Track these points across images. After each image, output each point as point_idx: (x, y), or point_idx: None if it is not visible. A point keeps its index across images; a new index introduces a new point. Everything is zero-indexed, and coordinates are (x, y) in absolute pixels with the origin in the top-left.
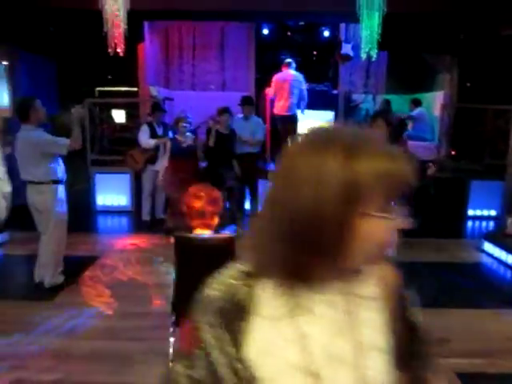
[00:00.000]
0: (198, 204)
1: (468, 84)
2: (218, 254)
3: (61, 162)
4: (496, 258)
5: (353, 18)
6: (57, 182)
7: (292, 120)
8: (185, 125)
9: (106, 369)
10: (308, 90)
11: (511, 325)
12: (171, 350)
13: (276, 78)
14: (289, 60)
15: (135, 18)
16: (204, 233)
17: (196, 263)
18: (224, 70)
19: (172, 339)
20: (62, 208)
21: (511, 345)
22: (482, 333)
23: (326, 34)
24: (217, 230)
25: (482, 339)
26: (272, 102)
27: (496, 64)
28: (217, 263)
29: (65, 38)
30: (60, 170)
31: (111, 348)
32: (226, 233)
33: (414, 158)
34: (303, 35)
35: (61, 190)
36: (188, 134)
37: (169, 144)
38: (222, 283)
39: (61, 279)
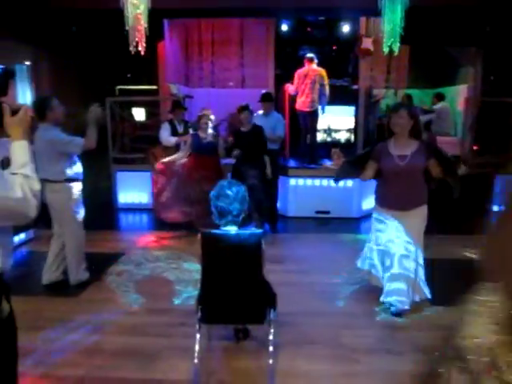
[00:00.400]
0: (227, 203)
1: (492, 77)
2: (246, 252)
3: (77, 160)
4: None
5: (374, 11)
6: (72, 180)
7: (313, 116)
8: (207, 121)
9: (132, 364)
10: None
11: None
12: (197, 347)
13: (298, 73)
14: (311, 55)
15: (155, 17)
16: (231, 229)
17: (224, 260)
18: (243, 67)
19: (198, 336)
20: (78, 207)
21: None
22: None
23: (346, 28)
24: (240, 227)
25: None
26: (292, 97)
27: None
28: (244, 260)
29: (87, 37)
30: (76, 168)
31: (137, 344)
32: (252, 229)
33: (447, 154)
34: (323, 30)
35: (76, 188)
36: (210, 130)
37: (189, 140)
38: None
39: (85, 276)
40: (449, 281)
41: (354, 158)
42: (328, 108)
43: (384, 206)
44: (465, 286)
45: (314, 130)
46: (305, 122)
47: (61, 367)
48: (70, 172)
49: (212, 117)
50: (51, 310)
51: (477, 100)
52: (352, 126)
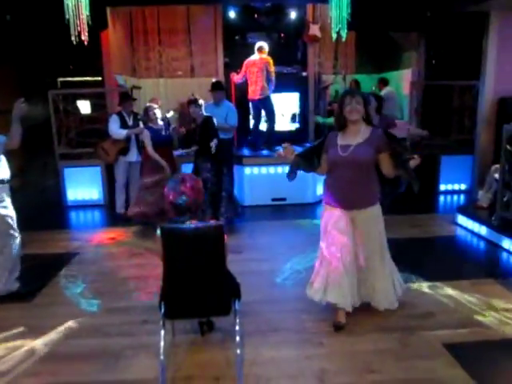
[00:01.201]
0: (184, 199)
1: (433, 61)
2: (208, 244)
3: (4, 160)
4: (469, 230)
5: None
6: None
7: (265, 103)
8: (154, 112)
9: (95, 367)
10: (277, 72)
11: (489, 294)
12: (162, 343)
13: (246, 62)
14: (260, 44)
15: (97, 4)
16: (190, 223)
17: (185, 254)
18: (192, 56)
19: (162, 332)
20: (6, 210)
21: (493, 314)
22: (464, 304)
23: (293, 15)
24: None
25: (464, 310)
26: (238, 86)
27: (461, 40)
28: (206, 253)
29: (23, 27)
30: (2, 169)
31: (98, 345)
32: (213, 221)
33: (402, 146)
34: (270, 17)
35: (3, 190)
36: (160, 122)
37: (146, 134)
38: None
39: (15, 286)
40: (400, 260)
41: (305, 151)
42: (276, 95)
43: (329, 202)
44: (415, 265)
45: (271, 116)
46: (257, 111)
47: (19, 377)
48: None
49: (156, 106)
50: (2, 318)
51: (420, 84)
52: (296, 111)
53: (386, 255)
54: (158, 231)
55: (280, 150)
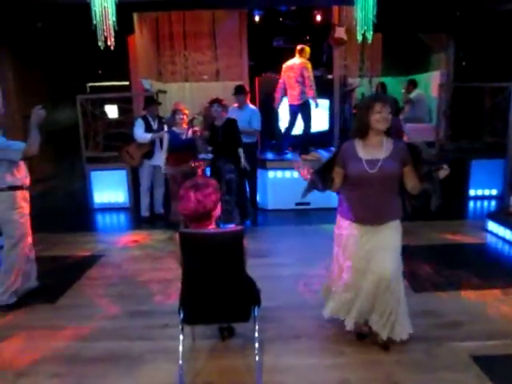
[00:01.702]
0: (191, 207)
1: (464, 63)
2: (226, 250)
3: (23, 166)
4: (501, 237)
5: (347, 0)
6: (14, 188)
7: (303, 108)
8: (181, 116)
9: (116, 370)
10: None
11: None
12: (181, 348)
13: (284, 66)
14: (299, 46)
15: (124, 10)
16: (208, 228)
17: (204, 259)
18: (217, 59)
19: (181, 337)
20: (22, 217)
21: None
22: (495, 313)
23: (319, 18)
24: (218, 223)
25: (494, 320)
26: (262, 89)
27: (492, 41)
28: (225, 258)
29: (53, 33)
30: (20, 175)
31: (119, 349)
32: (231, 226)
33: (428, 155)
34: (295, 20)
35: (21, 197)
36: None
37: (166, 137)
38: None
39: (12, 300)
40: (429, 267)
41: (322, 168)
42: None
43: (350, 219)
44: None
45: (307, 122)
46: (293, 115)
47: (43, 378)
48: (11, 179)
49: (187, 111)
50: (28, 319)
51: (449, 86)
52: (326, 119)
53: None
54: (177, 236)
55: (297, 160)
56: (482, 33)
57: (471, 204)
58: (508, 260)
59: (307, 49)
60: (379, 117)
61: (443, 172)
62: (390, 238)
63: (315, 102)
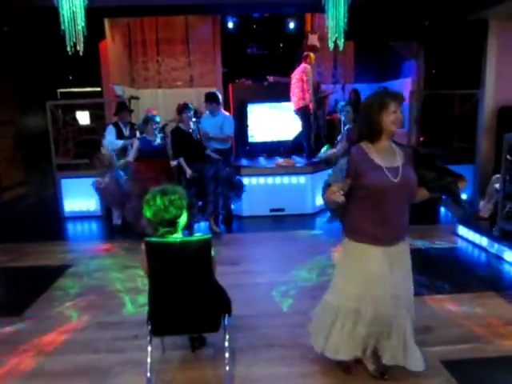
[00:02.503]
0: (154, 214)
1: (433, 70)
2: (194, 259)
3: None
4: (470, 242)
5: (318, 8)
6: None
7: (301, 114)
8: (155, 126)
9: None
10: (275, 82)
11: (491, 308)
12: (149, 360)
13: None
14: (305, 53)
15: (95, 15)
16: (175, 237)
17: (171, 269)
18: (190, 66)
19: (149, 348)
20: None
21: (493, 329)
22: (464, 318)
23: (292, 25)
24: (189, 231)
25: (464, 324)
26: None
27: (461, 49)
28: (192, 268)
29: (21, 38)
30: None
31: (86, 362)
32: (199, 234)
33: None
34: (269, 27)
35: None
36: (157, 134)
37: (136, 143)
38: None
39: None
40: None
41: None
42: (274, 105)
43: (365, 240)
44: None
45: (304, 127)
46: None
47: None
48: None
49: (158, 119)
50: None
51: (420, 93)
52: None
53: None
54: (143, 245)
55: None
56: (451, 41)
57: (442, 209)
58: (478, 264)
59: (312, 55)
60: (394, 117)
61: (462, 184)
62: (407, 258)
63: (310, 106)
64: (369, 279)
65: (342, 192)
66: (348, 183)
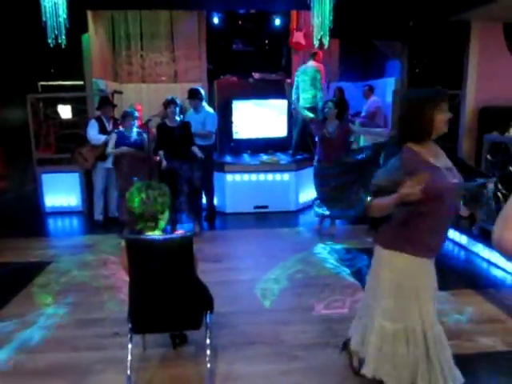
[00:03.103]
0: (136, 206)
1: (417, 70)
2: (175, 256)
3: None
4: (450, 240)
5: (304, 5)
6: None
7: (312, 112)
8: (132, 122)
9: (61, 383)
10: (261, 79)
11: (468, 305)
12: (129, 358)
13: (297, 71)
14: (314, 51)
15: (77, 7)
16: (155, 234)
17: (151, 267)
18: (175, 61)
19: (130, 346)
20: None
21: (473, 326)
22: (444, 315)
23: (278, 22)
24: (172, 227)
25: (444, 322)
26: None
27: (444, 50)
28: (173, 265)
29: (1, 29)
30: None
31: (66, 360)
32: (182, 231)
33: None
34: (254, 24)
35: None
36: (135, 130)
37: (113, 136)
38: None
39: None
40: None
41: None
42: (261, 102)
43: (423, 252)
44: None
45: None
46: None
47: None
48: None
49: (136, 114)
50: None
51: (404, 92)
52: (285, 124)
53: None
54: (123, 242)
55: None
56: (434, 42)
57: None
58: (457, 262)
59: (320, 53)
60: (446, 117)
61: (491, 185)
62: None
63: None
64: (432, 296)
65: (419, 186)
66: (426, 176)
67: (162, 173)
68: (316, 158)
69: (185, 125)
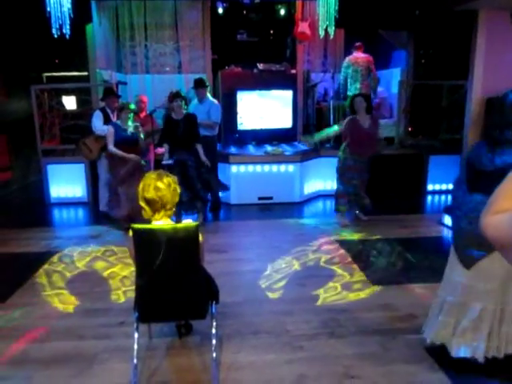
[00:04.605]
0: (158, 195)
1: (423, 60)
2: (181, 245)
3: None
4: None
5: None
6: None
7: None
8: (129, 115)
9: (68, 372)
10: (266, 70)
11: None
12: (136, 347)
13: (346, 61)
14: (359, 43)
15: None
16: (164, 223)
17: (158, 255)
18: (179, 51)
19: (136, 335)
20: None
21: None
22: None
23: (282, 12)
24: (177, 218)
25: None
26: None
27: (450, 40)
28: (180, 254)
29: (6, 19)
30: None
31: (73, 348)
32: (188, 221)
33: None
34: (259, 14)
35: None
36: (130, 123)
37: (111, 129)
38: None
39: None
40: (386, 260)
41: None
42: (265, 93)
43: None
44: (400, 265)
45: None
46: None
47: None
48: None
49: (133, 107)
50: None
51: (409, 83)
52: (290, 115)
53: None
54: (130, 232)
55: None
56: (441, 32)
57: (429, 198)
58: None
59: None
60: None
61: None
62: None
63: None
64: None
65: None
66: None
67: (167, 166)
68: (347, 150)
69: (190, 117)
